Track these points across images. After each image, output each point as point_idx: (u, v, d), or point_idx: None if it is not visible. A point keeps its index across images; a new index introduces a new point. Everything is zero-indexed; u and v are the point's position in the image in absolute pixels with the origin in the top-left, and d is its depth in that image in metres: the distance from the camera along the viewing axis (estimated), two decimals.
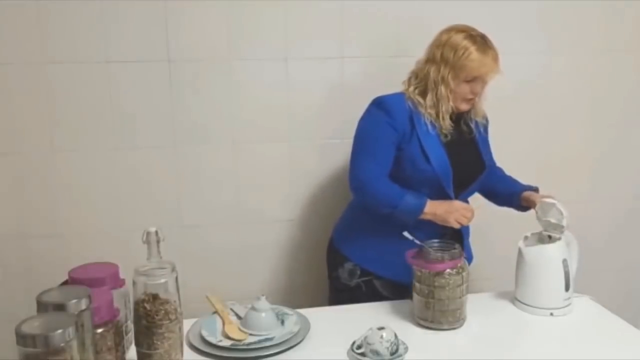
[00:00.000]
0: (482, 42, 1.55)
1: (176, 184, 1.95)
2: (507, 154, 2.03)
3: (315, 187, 2.05)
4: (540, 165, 2.17)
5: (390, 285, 1.67)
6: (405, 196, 1.53)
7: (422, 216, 1.53)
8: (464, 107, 1.60)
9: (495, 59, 1.55)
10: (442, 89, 1.57)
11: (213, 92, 1.92)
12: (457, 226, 1.53)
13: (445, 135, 1.59)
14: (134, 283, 1.17)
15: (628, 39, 2.20)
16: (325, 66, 1.97)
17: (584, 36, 2.15)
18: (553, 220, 1.52)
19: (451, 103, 1.58)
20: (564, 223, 1.50)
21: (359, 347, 1.27)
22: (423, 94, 1.60)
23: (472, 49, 1.54)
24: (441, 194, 1.58)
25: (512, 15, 2.07)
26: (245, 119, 1.95)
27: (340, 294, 1.74)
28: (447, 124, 1.58)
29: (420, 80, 1.61)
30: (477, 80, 1.56)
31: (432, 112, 1.58)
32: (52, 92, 1.82)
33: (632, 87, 2.25)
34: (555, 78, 2.17)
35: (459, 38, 1.55)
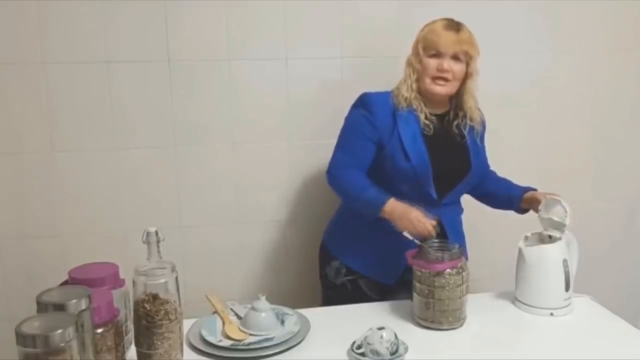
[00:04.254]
0: (451, 21, 1.58)
1: (176, 184, 1.95)
2: (509, 154, 2.04)
3: (315, 187, 2.05)
4: (542, 165, 2.18)
5: (375, 286, 1.67)
6: (369, 189, 1.52)
7: (382, 214, 1.48)
8: (434, 88, 1.58)
9: (459, 37, 1.55)
10: (407, 69, 1.62)
11: (213, 92, 1.92)
12: (405, 234, 1.47)
13: (427, 126, 1.58)
14: (134, 283, 1.17)
15: (631, 40, 2.20)
16: (325, 66, 1.97)
17: (586, 37, 2.15)
18: (556, 218, 1.52)
19: (418, 82, 1.59)
20: (567, 221, 1.49)
21: (359, 347, 1.27)
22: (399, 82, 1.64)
23: (438, 23, 1.58)
24: (422, 193, 1.57)
25: (515, 16, 2.07)
26: (245, 119, 1.95)
27: (328, 292, 1.76)
28: (419, 107, 1.59)
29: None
30: (442, 56, 1.56)
31: (403, 91, 1.59)
32: (52, 92, 1.82)
33: (634, 88, 2.25)
34: (557, 79, 2.17)
35: (434, 20, 1.61)
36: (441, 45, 1.55)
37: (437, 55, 1.57)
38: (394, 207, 1.48)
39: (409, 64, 1.63)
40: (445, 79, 1.56)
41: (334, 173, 1.61)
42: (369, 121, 1.59)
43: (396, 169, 1.56)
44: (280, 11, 1.91)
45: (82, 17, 1.79)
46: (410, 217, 1.45)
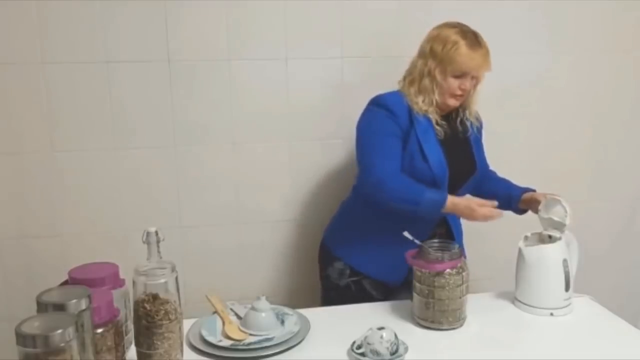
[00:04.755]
0: (472, 37, 1.56)
1: (176, 184, 1.95)
2: (509, 154, 2.04)
3: (315, 187, 2.05)
4: (542, 165, 2.17)
5: (379, 286, 1.68)
6: (425, 192, 1.51)
7: (444, 210, 1.51)
8: (452, 102, 1.60)
9: (485, 56, 1.55)
10: (427, 81, 1.58)
11: (213, 92, 1.92)
12: (484, 221, 1.51)
13: (440, 132, 1.59)
14: (134, 283, 1.17)
15: (631, 40, 2.20)
16: (325, 66, 1.97)
17: (586, 37, 2.15)
18: (556, 218, 1.52)
19: (437, 97, 1.58)
20: (567, 221, 1.50)
21: (359, 347, 1.27)
22: (411, 87, 1.62)
23: (462, 43, 1.55)
24: None
25: (514, 15, 2.07)
26: (245, 119, 1.95)
27: (330, 293, 1.75)
28: (433, 117, 1.59)
29: (410, 74, 1.63)
30: (466, 76, 1.56)
31: (420, 103, 1.59)
32: (52, 92, 1.82)
33: (634, 88, 2.25)
34: (557, 79, 2.16)
35: (449, 32, 1.57)
36: (471, 69, 1.56)
37: (461, 75, 1.57)
38: (454, 204, 1.51)
39: (432, 78, 1.58)
40: (462, 96, 1.59)
41: (382, 182, 1.53)
42: (393, 121, 1.58)
43: (414, 170, 1.57)
44: (280, 11, 1.91)
45: (82, 17, 1.79)
46: (478, 212, 1.48)
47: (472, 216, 1.50)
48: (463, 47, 1.54)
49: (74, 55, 1.81)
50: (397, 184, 1.53)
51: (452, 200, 1.51)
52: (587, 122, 2.23)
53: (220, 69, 1.91)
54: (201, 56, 1.89)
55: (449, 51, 1.55)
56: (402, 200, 1.53)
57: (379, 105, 1.61)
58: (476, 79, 1.59)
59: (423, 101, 1.59)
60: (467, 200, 1.53)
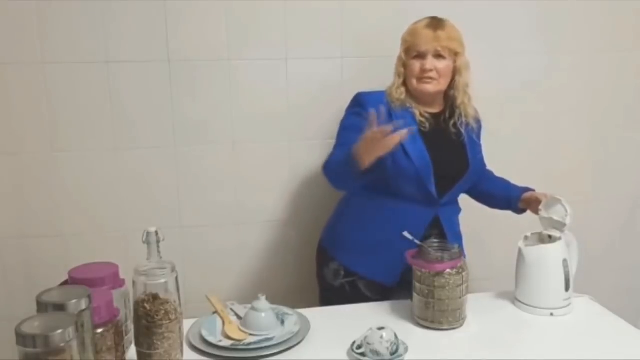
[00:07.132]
0: (434, 20, 1.58)
1: (176, 184, 1.95)
2: (509, 154, 2.04)
3: (315, 187, 2.05)
4: (542, 165, 2.17)
5: (374, 287, 1.67)
6: (343, 153, 1.47)
7: (359, 160, 1.38)
8: (421, 87, 1.58)
9: (437, 35, 1.54)
10: (395, 68, 1.63)
11: (213, 92, 1.92)
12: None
13: (424, 124, 1.58)
14: (134, 283, 1.17)
15: (631, 39, 2.20)
16: (325, 66, 1.97)
17: (586, 37, 2.15)
18: (556, 218, 1.52)
19: (406, 83, 1.61)
20: (567, 221, 1.50)
21: (359, 347, 1.27)
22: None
23: (420, 24, 1.59)
24: (423, 191, 1.57)
25: (514, 15, 2.07)
26: (245, 119, 1.96)
27: (325, 293, 1.75)
28: (416, 110, 1.59)
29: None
30: (424, 56, 1.56)
31: (394, 92, 1.60)
32: (52, 92, 1.82)
33: (634, 88, 2.25)
34: (557, 79, 2.16)
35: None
36: (420, 45, 1.56)
37: (420, 56, 1.57)
38: (357, 147, 1.39)
39: (395, 68, 1.64)
40: (431, 78, 1.57)
41: (324, 167, 1.58)
42: (361, 116, 1.57)
43: (397, 168, 1.56)
44: (280, 11, 1.91)
45: (82, 17, 1.79)
46: (368, 141, 1.35)
47: (374, 148, 1.37)
48: (418, 26, 1.59)
49: (74, 55, 1.81)
50: (329, 162, 1.56)
51: (355, 147, 1.39)
52: (586, 122, 2.23)
53: (220, 69, 1.91)
54: (201, 56, 1.89)
55: (406, 32, 1.62)
56: (335, 173, 1.55)
57: (356, 103, 1.65)
58: (445, 60, 1.56)
59: (396, 92, 1.60)
60: (363, 139, 1.37)
